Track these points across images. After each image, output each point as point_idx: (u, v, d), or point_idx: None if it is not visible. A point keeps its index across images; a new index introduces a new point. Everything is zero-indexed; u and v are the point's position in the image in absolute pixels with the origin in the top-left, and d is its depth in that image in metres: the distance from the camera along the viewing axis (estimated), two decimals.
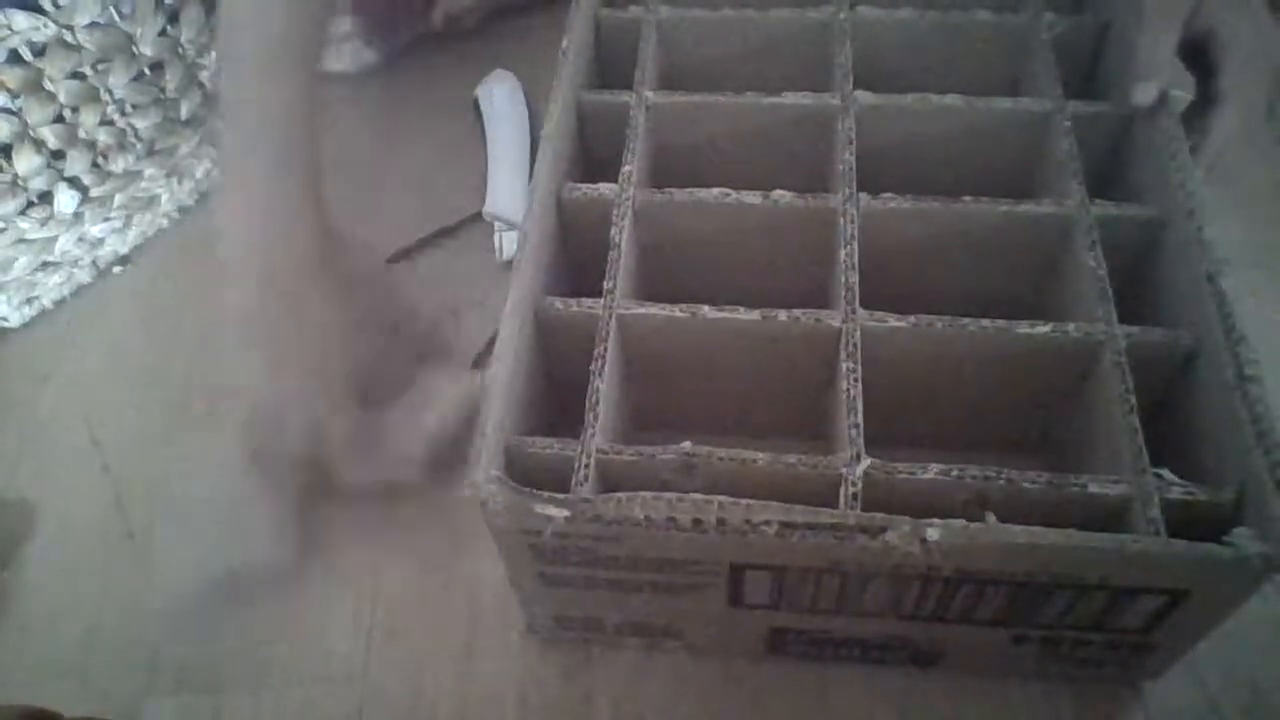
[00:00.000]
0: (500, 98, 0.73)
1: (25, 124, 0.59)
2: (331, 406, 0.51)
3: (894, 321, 0.45)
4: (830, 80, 0.55)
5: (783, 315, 0.46)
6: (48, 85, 0.59)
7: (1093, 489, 0.40)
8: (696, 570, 0.42)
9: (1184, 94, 0.51)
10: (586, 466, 0.41)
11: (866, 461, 0.41)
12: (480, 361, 0.61)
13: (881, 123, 0.53)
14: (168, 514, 0.54)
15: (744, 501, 0.38)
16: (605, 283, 0.47)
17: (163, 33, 0.63)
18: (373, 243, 0.67)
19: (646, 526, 0.39)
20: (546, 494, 0.39)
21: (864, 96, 0.53)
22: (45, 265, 0.66)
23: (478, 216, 0.68)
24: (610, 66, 0.60)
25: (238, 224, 0.49)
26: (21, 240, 0.63)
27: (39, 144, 0.60)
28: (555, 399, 0.50)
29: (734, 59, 0.59)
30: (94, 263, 0.68)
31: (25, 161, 0.60)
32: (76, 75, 0.60)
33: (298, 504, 0.54)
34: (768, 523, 0.38)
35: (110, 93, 0.62)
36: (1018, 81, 0.57)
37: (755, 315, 0.46)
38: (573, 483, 0.41)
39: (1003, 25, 0.56)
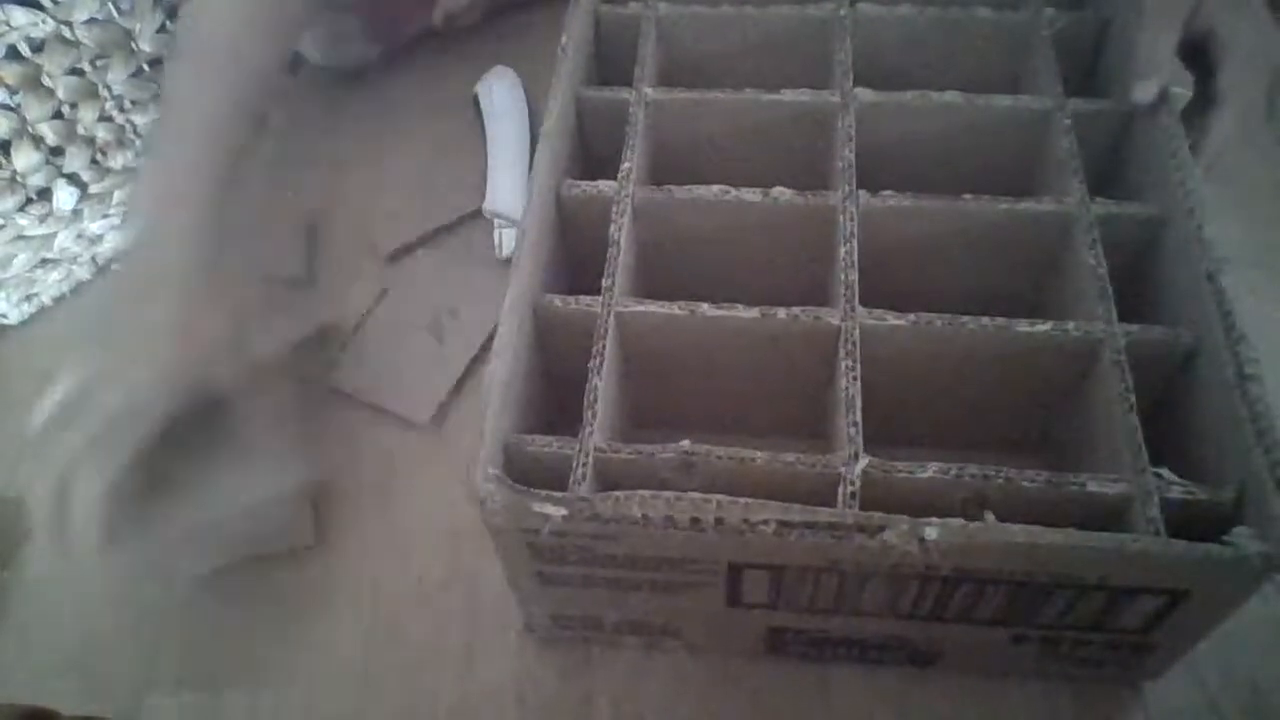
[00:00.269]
0: (500, 94, 0.73)
1: (24, 120, 0.59)
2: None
3: (893, 320, 0.45)
4: (830, 77, 0.54)
5: (782, 313, 0.46)
6: (46, 81, 0.59)
7: (1092, 488, 0.40)
8: (694, 569, 0.42)
9: (1184, 91, 0.51)
10: (585, 465, 0.41)
11: (865, 460, 0.40)
12: (477, 360, 0.61)
13: (881, 120, 0.53)
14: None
15: (742, 500, 0.38)
16: (604, 280, 0.47)
17: (161, 29, 0.63)
18: (375, 240, 0.67)
19: (644, 525, 0.39)
20: (544, 493, 0.39)
21: (864, 94, 0.53)
22: (44, 262, 0.65)
23: (477, 213, 0.68)
24: (610, 63, 0.59)
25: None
26: (20, 237, 0.63)
27: (38, 140, 0.60)
28: (554, 397, 0.49)
29: (733, 55, 0.58)
30: (93, 259, 0.68)
31: (24, 158, 0.60)
32: (75, 71, 0.60)
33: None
34: (766, 522, 0.38)
35: (109, 89, 0.62)
36: (1018, 79, 0.57)
37: (754, 313, 0.46)
38: (571, 481, 0.41)
39: (1003, 22, 0.56)
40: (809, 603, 0.43)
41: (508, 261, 0.50)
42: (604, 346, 0.45)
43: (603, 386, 0.44)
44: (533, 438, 0.43)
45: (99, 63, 0.61)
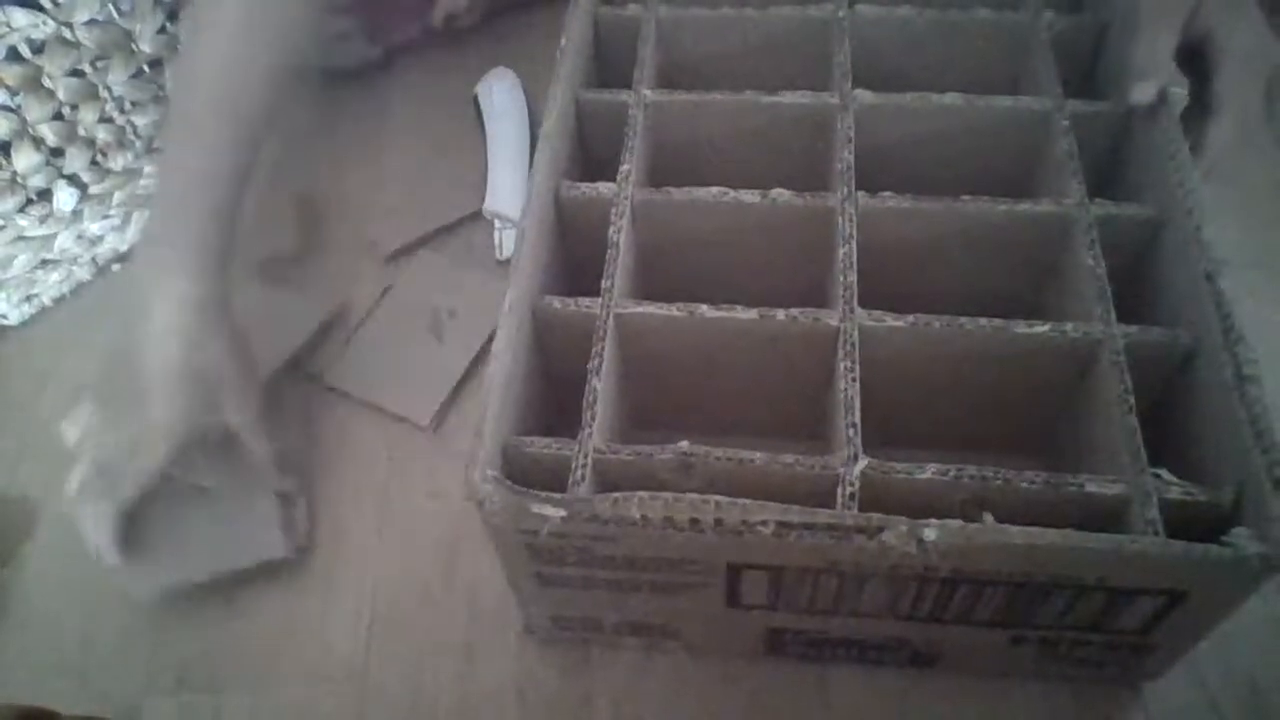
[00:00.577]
0: (500, 95, 0.73)
1: (24, 121, 0.59)
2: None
3: (892, 321, 0.45)
4: (829, 79, 0.54)
5: (781, 315, 0.46)
6: (47, 82, 0.59)
7: (1091, 489, 0.40)
8: (693, 570, 0.42)
9: (1182, 92, 0.51)
10: (584, 466, 0.41)
11: (864, 461, 0.41)
12: (477, 361, 0.61)
13: (880, 121, 0.53)
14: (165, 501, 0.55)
15: (741, 501, 0.38)
16: (603, 282, 0.47)
17: (162, 30, 0.63)
18: (375, 240, 0.68)
19: (643, 526, 0.39)
20: (543, 494, 0.39)
21: (863, 95, 0.53)
22: (44, 263, 0.66)
23: (477, 214, 0.68)
24: (609, 65, 0.59)
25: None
26: (21, 238, 0.63)
27: (38, 141, 0.60)
28: (553, 398, 0.50)
29: (733, 57, 0.59)
30: (93, 260, 0.68)
31: (24, 159, 0.60)
32: (75, 72, 0.60)
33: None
34: (764, 523, 0.38)
35: (109, 90, 0.62)
36: (1017, 80, 0.57)
37: (753, 314, 0.46)
38: (570, 482, 0.41)
39: (1002, 24, 0.56)
40: (808, 604, 0.43)
41: (508, 262, 0.50)
42: (603, 348, 0.45)
43: (602, 388, 0.44)
44: (532, 439, 0.43)
45: (99, 64, 0.61)
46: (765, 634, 0.47)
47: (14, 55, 0.57)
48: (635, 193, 0.50)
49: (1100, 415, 0.44)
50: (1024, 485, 0.40)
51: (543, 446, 0.43)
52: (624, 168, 0.51)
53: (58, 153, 0.62)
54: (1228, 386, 0.41)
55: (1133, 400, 0.42)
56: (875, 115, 0.53)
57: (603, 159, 0.53)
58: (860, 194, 0.49)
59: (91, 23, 0.59)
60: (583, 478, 0.41)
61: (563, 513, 0.39)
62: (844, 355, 0.44)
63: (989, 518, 0.38)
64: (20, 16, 0.56)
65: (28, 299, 0.66)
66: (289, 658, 0.52)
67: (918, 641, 0.46)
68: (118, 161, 0.65)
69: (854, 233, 0.48)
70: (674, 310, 0.46)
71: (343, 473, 0.58)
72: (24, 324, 0.67)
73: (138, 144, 0.65)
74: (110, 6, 0.59)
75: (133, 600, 0.54)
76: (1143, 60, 0.50)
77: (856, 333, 0.44)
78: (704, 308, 0.46)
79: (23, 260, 0.64)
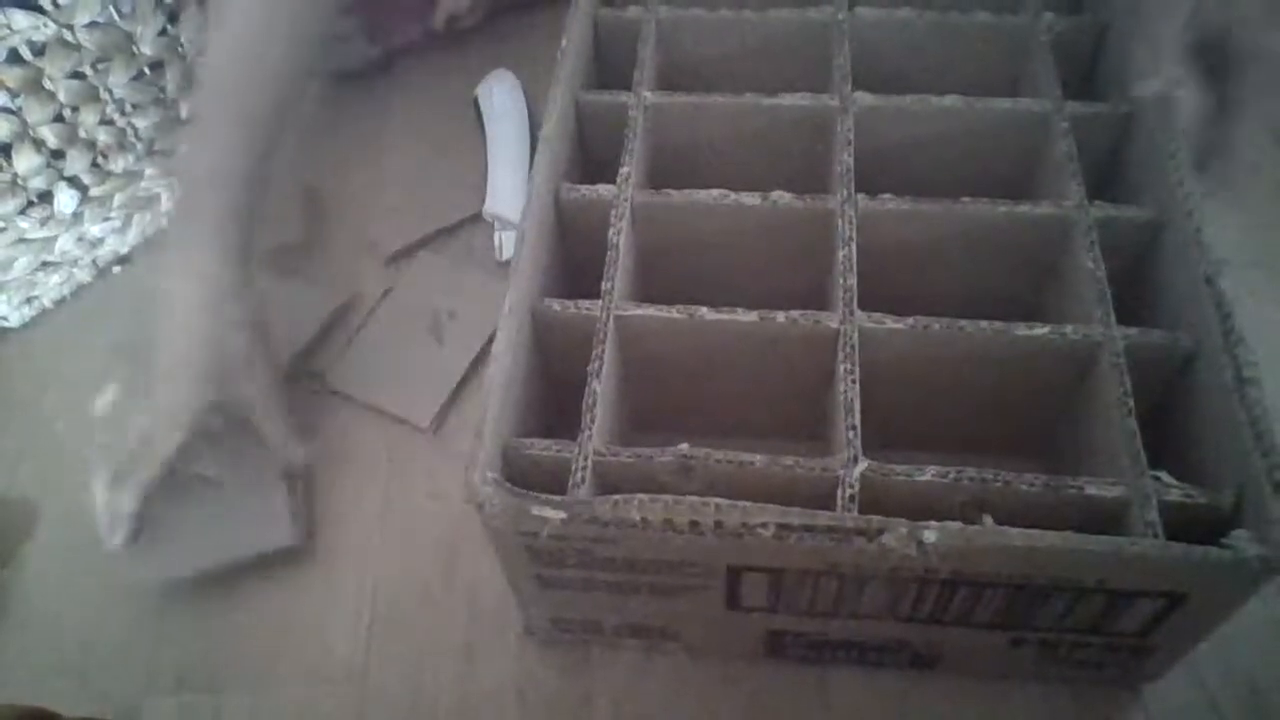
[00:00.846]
0: (500, 97, 0.73)
1: (25, 123, 0.59)
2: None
3: (892, 323, 0.45)
4: (829, 81, 0.54)
5: (781, 317, 0.46)
6: (47, 84, 0.59)
7: (1090, 491, 0.40)
8: (693, 572, 0.42)
9: (1185, 94, 0.50)
10: (584, 468, 0.41)
11: (864, 463, 0.41)
12: (477, 363, 0.61)
13: (880, 123, 0.53)
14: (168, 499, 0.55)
15: (741, 504, 0.38)
16: (603, 284, 0.47)
17: (162, 32, 0.63)
18: (375, 241, 0.68)
19: (643, 528, 0.39)
20: (543, 496, 0.39)
21: (862, 97, 0.53)
22: (45, 265, 0.66)
23: (478, 216, 0.68)
24: (609, 67, 0.59)
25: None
26: (21, 240, 0.63)
27: (39, 143, 0.60)
28: (553, 400, 0.50)
29: (733, 59, 0.59)
30: (94, 262, 0.68)
31: (25, 161, 0.60)
32: (76, 74, 0.60)
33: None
34: (764, 525, 0.38)
35: (110, 92, 0.62)
36: (1017, 82, 0.57)
37: (753, 317, 0.46)
38: (570, 484, 0.41)
39: (1002, 26, 0.56)
40: (808, 605, 0.43)
41: (508, 264, 0.50)
42: (603, 350, 0.45)
43: (602, 390, 0.44)
44: (532, 441, 0.43)
45: (100, 66, 0.61)
46: (765, 636, 0.47)
47: (15, 57, 0.57)
48: (635, 195, 0.50)
49: (1100, 417, 0.44)
50: (1024, 487, 0.40)
51: (542, 448, 0.43)
52: (624, 170, 0.51)
53: (58, 155, 0.62)
54: (1228, 389, 0.41)
55: (1132, 402, 0.42)
56: (875, 117, 0.53)
57: (603, 161, 0.53)
58: (860, 196, 0.49)
59: (92, 25, 0.59)
60: (583, 480, 0.41)
61: (562, 515, 0.39)
62: (844, 357, 0.44)
63: (989, 520, 0.38)
64: (21, 18, 0.56)
65: (28, 301, 0.67)
66: (289, 658, 0.52)
67: (918, 643, 0.46)
68: (118, 164, 0.65)
69: (854, 235, 0.48)
70: (674, 312, 0.46)
71: (343, 474, 0.58)
72: (24, 326, 0.67)
73: (138, 146, 0.65)
74: (111, 9, 0.59)
75: (136, 592, 0.54)
76: (1144, 56, 0.49)
77: (856, 335, 0.44)
78: (704, 310, 0.46)
79: (23, 262, 0.64)
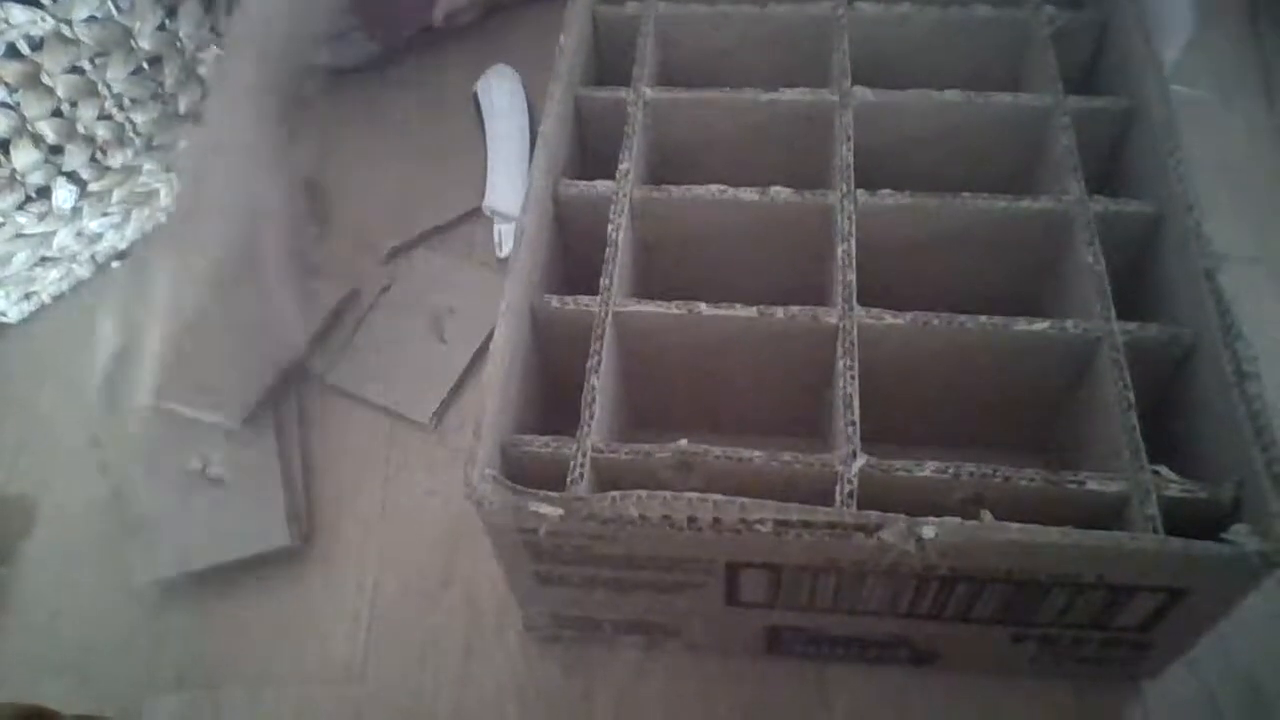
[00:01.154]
0: (500, 93, 0.73)
1: (23, 118, 0.59)
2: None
3: (891, 318, 0.45)
4: (828, 76, 0.54)
5: (780, 312, 0.46)
6: (45, 80, 0.59)
7: (1090, 486, 0.40)
8: (692, 569, 0.42)
9: (1194, 92, 0.50)
10: (582, 465, 0.41)
11: (863, 459, 0.40)
12: (476, 359, 0.61)
13: (880, 119, 0.53)
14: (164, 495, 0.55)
15: (739, 500, 0.38)
16: (602, 280, 0.47)
17: (161, 27, 0.63)
18: (374, 238, 0.67)
19: (642, 525, 0.39)
20: (542, 493, 0.39)
21: (862, 92, 0.53)
22: (44, 260, 0.65)
23: (477, 212, 0.68)
24: (608, 62, 0.59)
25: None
26: (20, 235, 0.63)
27: (37, 139, 0.60)
28: (551, 397, 0.50)
29: (732, 54, 0.58)
30: (92, 258, 0.68)
31: (23, 156, 0.60)
32: (74, 70, 0.60)
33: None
34: (763, 521, 0.38)
35: (108, 87, 0.62)
36: (1017, 77, 0.56)
37: (752, 312, 0.46)
38: (568, 481, 0.41)
39: (1002, 20, 0.56)
40: (807, 602, 0.43)
41: (508, 260, 0.50)
42: (602, 346, 0.45)
43: (600, 386, 0.44)
44: (530, 437, 0.43)
45: (98, 60, 0.60)
46: (764, 632, 0.47)
47: (12, 52, 0.57)
48: (634, 190, 0.50)
49: (1100, 412, 0.44)
50: (1023, 483, 0.40)
51: (541, 445, 0.43)
52: (623, 165, 0.51)
53: (57, 150, 0.62)
54: (1227, 383, 0.41)
55: (1132, 397, 0.42)
56: (874, 112, 0.52)
57: (602, 156, 0.53)
58: (859, 191, 0.49)
59: (90, 19, 0.59)
60: (581, 476, 0.41)
61: (561, 511, 0.39)
62: (843, 353, 0.44)
63: (988, 515, 0.38)
64: (19, 13, 0.56)
65: (27, 296, 0.66)
66: (289, 656, 0.52)
67: (917, 639, 0.46)
68: (117, 159, 0.65)
69: (853, 230, 0.48)
70: (673, 308, 0.46)
71: (342, 471, 0.58)
72: (23, 321, 0.67)
73: (137, 141, 0.65)
74: (109, 3, 0.59)
75: (136, 591, 0.54)
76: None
77: (856, 330, 0.44)
78: (703, 306, 0.46)
79: (22, 258, 0.64)
